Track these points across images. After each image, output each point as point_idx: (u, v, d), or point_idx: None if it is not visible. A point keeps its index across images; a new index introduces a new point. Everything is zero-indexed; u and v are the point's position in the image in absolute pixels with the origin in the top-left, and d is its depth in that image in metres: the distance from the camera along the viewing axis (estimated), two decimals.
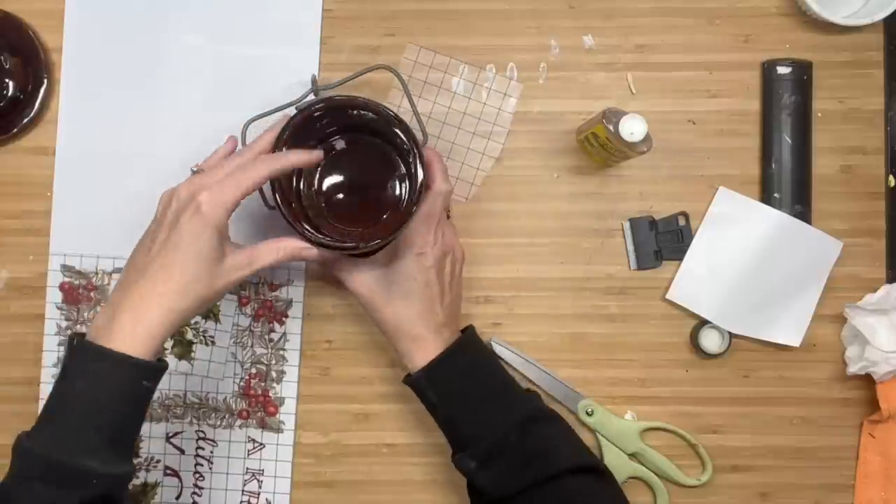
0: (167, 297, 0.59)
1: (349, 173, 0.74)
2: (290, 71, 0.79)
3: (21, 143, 0.80)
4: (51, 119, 0.80)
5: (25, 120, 0.78)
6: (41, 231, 0.79)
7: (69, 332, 0.79)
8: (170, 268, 0.60)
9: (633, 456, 0.78)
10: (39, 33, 0.79)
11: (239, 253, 0.64)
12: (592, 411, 0.77)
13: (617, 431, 0.77)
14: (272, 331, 0.79)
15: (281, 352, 0.79)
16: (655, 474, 0.77)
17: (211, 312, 0.79)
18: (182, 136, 0.79)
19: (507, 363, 0.78)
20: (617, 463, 0.77)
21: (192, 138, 0.79)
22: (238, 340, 0.79)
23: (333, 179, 0.74)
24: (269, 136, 0.67)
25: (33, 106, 0.78)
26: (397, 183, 0.73)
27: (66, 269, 0.79)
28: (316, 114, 0.69)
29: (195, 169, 0.67)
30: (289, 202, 0.70)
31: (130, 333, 0.58)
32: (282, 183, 0.70)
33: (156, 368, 0.60)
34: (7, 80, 0.79)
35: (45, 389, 0.78)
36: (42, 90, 0.79)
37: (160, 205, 0.64)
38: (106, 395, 0.58)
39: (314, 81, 0.76)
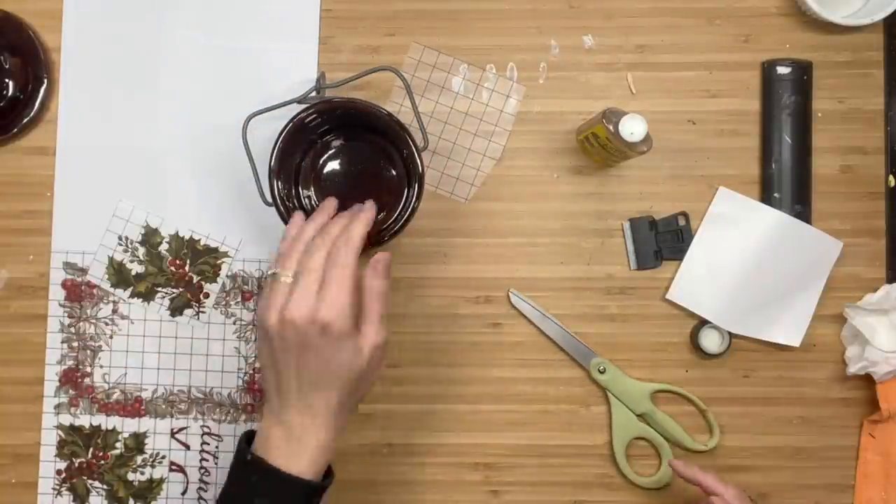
0: (334, 418, 0.61)
1: (347, 172, 0.75)
2: (290, 67, 0.79)
3: (21, 143, 0.80)
4: (51, 119, 0.80)
5: (25, 120, 0.78)
6: (41, 231, 0.79)
7: (72, 329, 0.79)
8: (328, 391, 0.61)
9: (641, 416, 0.78)
10: (39, 33, 0.79)
11: (364, 329, 0.62)
12: (604, 369, 0.77)
13: (627, 391, 0.77)
14: None
15: None
16: (663, 437, 0.78)
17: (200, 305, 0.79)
18: (182, 133, 0.79)
19: (524, 317, 0.78)
20: (625, 422, 0.78)
21: (193, 135, 0.79)
22: (242, 335, 0.79)
23: (331, 178, 0.74)
24: (326, 218, 0.65)
25: (33, 106, 0.78)
26: (395, 181, 0.74)
27: (68, 266, 0.79)
28: (314, 115, 0.70)
29: (271, 272, 0.63)
30: (285, 201, 0.71)
31: (311, 459, 0.60)
32: (279, 181, 0.70)
33: (324, 488, 0.62)
34: (7, 80, 0.78)
35: (49, 387, 0.79)
36: (42, 90, 0.79)
37: (269, 332, 0.61)
38: None
39: (321, 79, 0.76)
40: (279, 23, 0.79)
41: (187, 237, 0.79)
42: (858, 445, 0.78)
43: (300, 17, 0.79)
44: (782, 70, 0.78)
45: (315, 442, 0.60)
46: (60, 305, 0.79)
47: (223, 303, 0.79)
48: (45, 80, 0.79)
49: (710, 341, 0.77)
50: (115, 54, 0.80)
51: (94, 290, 0.79)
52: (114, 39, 0.80)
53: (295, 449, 0.60)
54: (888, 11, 0.75)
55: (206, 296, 0.79)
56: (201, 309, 0.79)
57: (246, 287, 0.79)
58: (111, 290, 0.79)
